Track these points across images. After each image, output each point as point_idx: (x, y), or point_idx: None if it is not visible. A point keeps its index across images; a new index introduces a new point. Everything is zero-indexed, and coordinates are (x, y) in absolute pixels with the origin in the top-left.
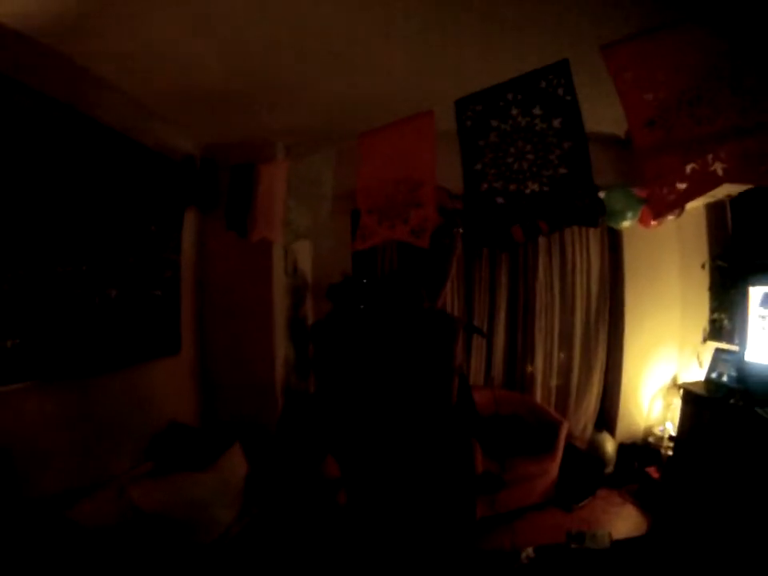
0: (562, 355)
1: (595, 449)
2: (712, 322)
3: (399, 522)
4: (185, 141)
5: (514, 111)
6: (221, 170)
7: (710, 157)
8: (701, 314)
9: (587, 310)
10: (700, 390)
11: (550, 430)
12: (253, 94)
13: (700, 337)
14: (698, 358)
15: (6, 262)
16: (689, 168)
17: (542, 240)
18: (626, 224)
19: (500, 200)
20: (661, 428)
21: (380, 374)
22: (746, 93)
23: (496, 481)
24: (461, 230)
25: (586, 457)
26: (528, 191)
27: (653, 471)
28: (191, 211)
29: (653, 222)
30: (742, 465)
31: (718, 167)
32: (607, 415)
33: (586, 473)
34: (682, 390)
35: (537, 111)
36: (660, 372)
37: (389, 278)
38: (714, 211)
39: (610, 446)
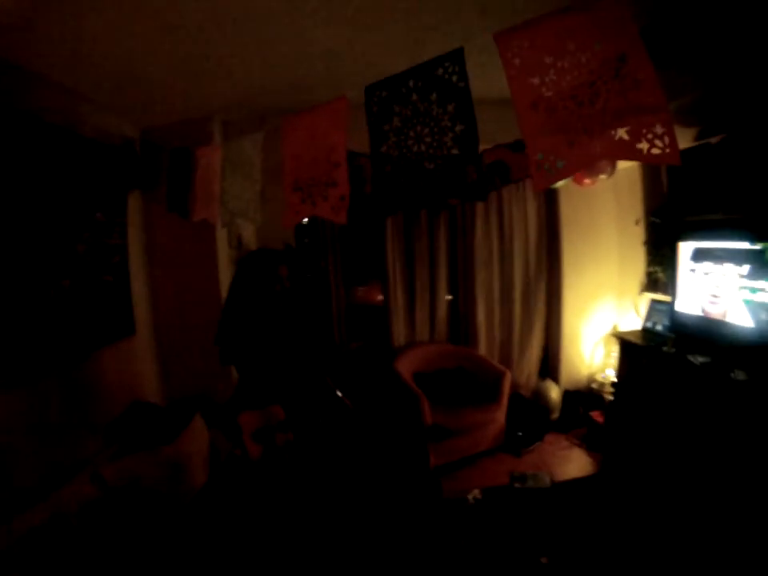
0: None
1: (541, 396)
2: (648, 274)
3: (352, 472)
4: (123, 125)
5: (414, 97)
6: (162, 152)
7: (590, 137)
8: (638, 268)
9: (526, 266)
10: (636, 339)
11: (494, 381)
12: (184, 75)
13: (638, 288)
14: (636, 308)
15: None
16: (570, 146)
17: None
18: (559, 184)
19: (402, 180)
20: (603, 375)
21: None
22: (626, 77)
23: (441, 430)
24: None
25: (532, 404)
26: (425, 171)
27: (597, 416)
28: (134, 195)
29: (586, 181)
30: (675, 407)
31: (597, 146)
32: (551, 364)
33: (533, 419)
34: (619, 340)
35: (433, 97)
36: (600, 322)
37: None
38: (649, 169)
39: (554, 393)
